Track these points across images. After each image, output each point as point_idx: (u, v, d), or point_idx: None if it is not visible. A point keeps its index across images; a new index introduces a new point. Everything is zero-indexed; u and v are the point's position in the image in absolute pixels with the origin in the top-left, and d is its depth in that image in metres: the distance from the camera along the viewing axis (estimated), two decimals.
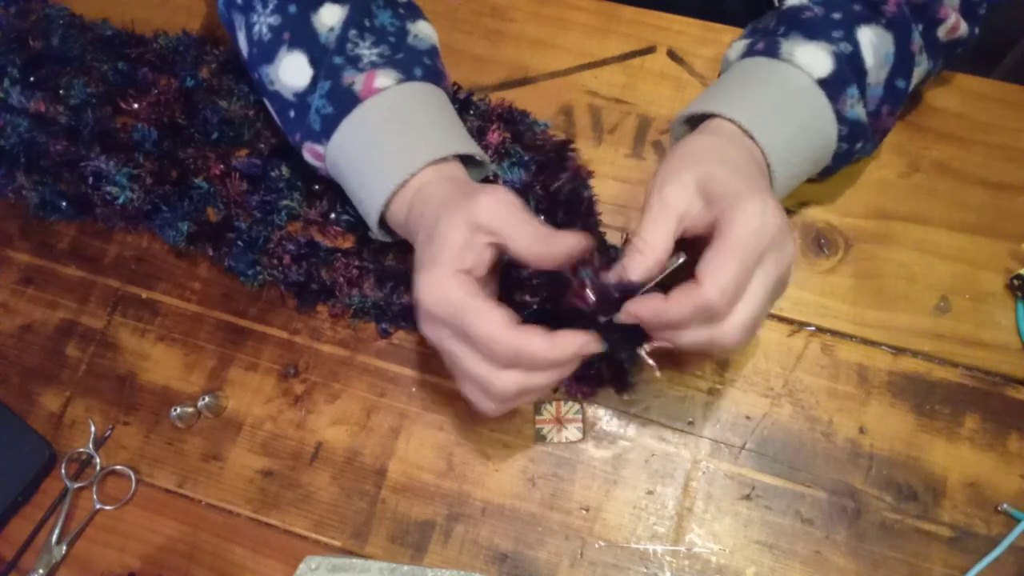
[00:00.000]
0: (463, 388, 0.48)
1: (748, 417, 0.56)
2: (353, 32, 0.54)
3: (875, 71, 0.52)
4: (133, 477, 0.58)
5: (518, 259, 0.46)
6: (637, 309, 0.45)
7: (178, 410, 0.58)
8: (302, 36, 0.55)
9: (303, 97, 0.55)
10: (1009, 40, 1.03)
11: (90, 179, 0.64)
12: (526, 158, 0.61)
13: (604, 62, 0.66)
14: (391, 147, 0.52)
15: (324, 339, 0.61)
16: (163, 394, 0.60)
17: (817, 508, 0.54)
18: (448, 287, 0.44)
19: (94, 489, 0.58)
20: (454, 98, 0.63)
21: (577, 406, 0.57)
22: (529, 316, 0.49)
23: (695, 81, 0.65)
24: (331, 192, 0.62)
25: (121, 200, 0.63)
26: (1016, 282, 0.56)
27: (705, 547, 0.53)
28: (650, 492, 0.55)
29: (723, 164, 0.47)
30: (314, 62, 0.54)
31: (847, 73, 0.51)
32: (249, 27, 0.57)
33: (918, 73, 0.55)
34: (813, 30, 0.52)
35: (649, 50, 0.66)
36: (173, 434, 0.59)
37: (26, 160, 0.66)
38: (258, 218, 0.63)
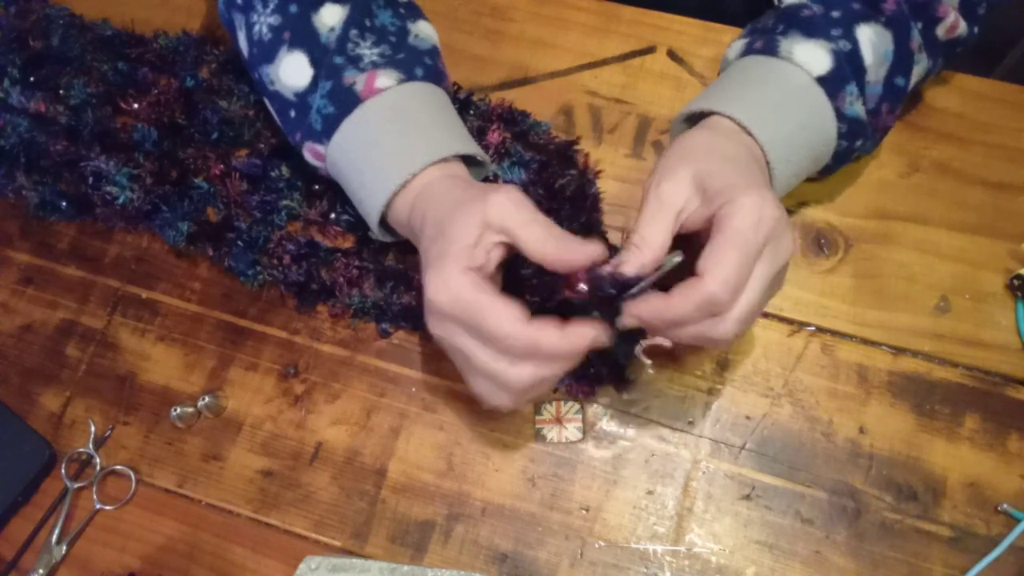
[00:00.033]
0: (474, 385, 0.47)
1: (748, 417, 0.56)
2: (354, 32, 0.54)
3: (874, 69, 0.52)
4: (133, 477, 0.58)
5: (529, 258, 0.46)
6: (639, 311, 0.45)
7: (178, 410, 0.58)
8: (303, 36, 0.55)
9: (304, 97, 0.55)
10: (1009, 40, 1.03)
11: (90, 179, 0.64)
12: (526, 157, 0.61)
13: (604, 62, 0.66)
14: (392, 147, 0.52)
15: (324, 339, 0.61)
16: (163, 394, 0.60)
17: (817, 508, 0.54)
18: (460, 284, 0.44)
19: (94, 489, 0.58)
20: (454, 98, 0.63)
21: (577, 406, 0.57)
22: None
23: (695, 81, 0.65)
24: (331, 192, 0.62)
25: (121, 200, 0.63)
26: (1016, 282, 0.56)
27: (705, 547, 0.53)
28: (650, 492, 0.55)
29: (721, 160, 0.47)
30: (315, 62, 0.54)
31: (846, 71, 0.51)
32: (249, 27, 0.57)
33: (918, 71, 0.55)
34: (812, 28, 0.52)
35: (649, 50, 0.66)
36: (173, 434, 0.59)
37: (26, 160, 0.66)
38: (258, 218, 0.63)
